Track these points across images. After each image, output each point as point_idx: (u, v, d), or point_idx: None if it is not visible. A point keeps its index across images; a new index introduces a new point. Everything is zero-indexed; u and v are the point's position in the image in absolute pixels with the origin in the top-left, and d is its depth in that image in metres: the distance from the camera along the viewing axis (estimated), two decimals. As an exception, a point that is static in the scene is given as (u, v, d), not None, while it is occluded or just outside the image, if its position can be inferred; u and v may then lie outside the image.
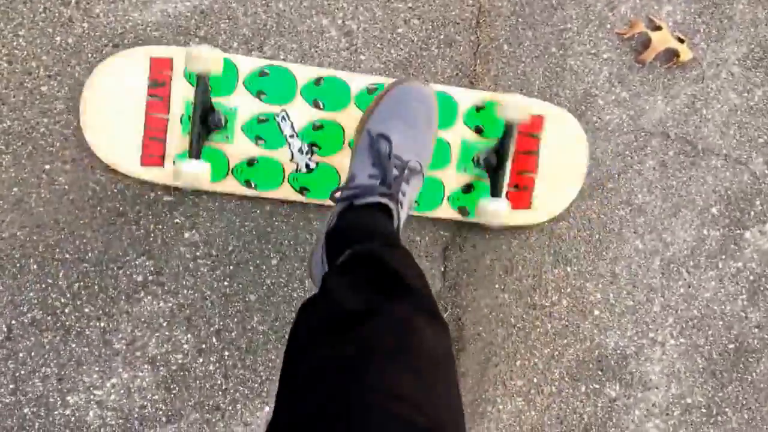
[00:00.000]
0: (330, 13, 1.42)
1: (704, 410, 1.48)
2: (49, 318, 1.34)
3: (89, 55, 1.36)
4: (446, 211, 1.39)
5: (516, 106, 1.30)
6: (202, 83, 1.24)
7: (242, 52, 1.38)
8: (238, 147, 1.34)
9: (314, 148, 1.35)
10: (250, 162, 1.34)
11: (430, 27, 1.44)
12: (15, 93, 1.33)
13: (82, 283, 1.34)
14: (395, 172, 1.12)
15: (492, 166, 1.33)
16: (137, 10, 1.37)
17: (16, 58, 1.34)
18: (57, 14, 1.35)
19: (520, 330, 1.44)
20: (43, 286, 1.34)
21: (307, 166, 1.35)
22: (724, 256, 1.49)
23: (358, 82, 1.37)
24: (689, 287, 1.48)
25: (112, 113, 1.32)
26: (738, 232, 1.50)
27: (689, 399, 1.48)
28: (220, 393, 1.37)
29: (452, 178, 1.38)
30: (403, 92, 1.20)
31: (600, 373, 1.45)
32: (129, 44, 1.36)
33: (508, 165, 1.34)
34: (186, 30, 1.38)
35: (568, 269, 1.45)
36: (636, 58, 1.50)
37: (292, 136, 1.35)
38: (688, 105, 1.51)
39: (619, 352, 1.46)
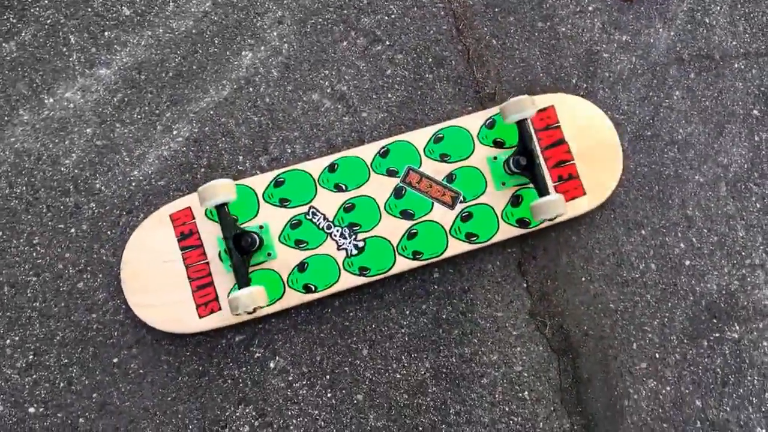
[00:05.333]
0: (316, 87, 1.41)
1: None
2: (177, 503, 1.30)
3: (108, 232, 1.34)
4: (507, 231, 1.35)
5: (515, 103, 1.28)
6: (222, 213, 1.23)
7: (249, 161, 1.37)
8: (284, 258, 1.31)
9: (355, 228, 1.32)
10: (301, 267, 1.31)
11: (416, 55, 1.43)
12: (55, 301, 1.31)
13: (194, 457, 1.31)
14: None
15: (523, 166, 1.29)
16: (135, 168, 1.36)
17: (40, 267, 1.32)
18: (62, 207, 1.34)
19: (624, 312, 1.38)
20: (159, 477, 1.30)
21: (356, 246, 1.32)
22: (783, 154, 1.46)
23: (368, 152, 1.35)
24: (764, 199, 1.43)
25: (155, 283, 1.29)
26: (787, 122, 1.47)
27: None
28: (371, 503, 1.33)
29: (496, 198, 1.34)
30: None
31: (715, 320, 1.39)
32: (140, 204, 1.35)
33: (541, 160, 1.33)
34: (188, 165, 1.37)
35: (643, 232, 1.40)
36: (622, -2, 1.49)
37: (329, 227, 1.32)
38: (690, 20, 1.49)
39: (724, 292, 1.40)
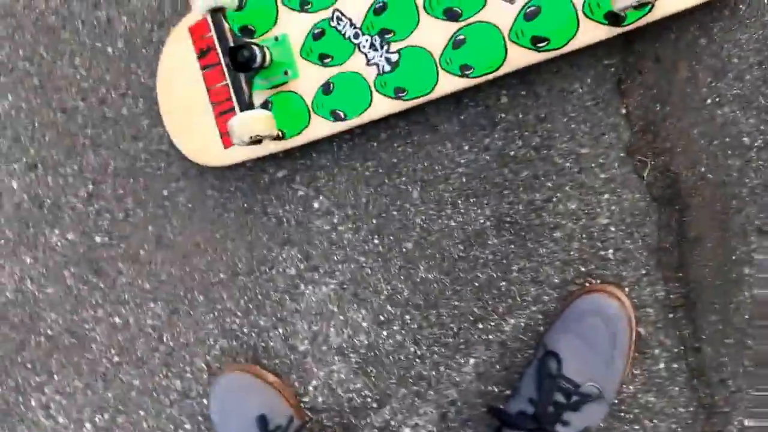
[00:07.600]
0: None
1: None
2: (235, 344, 1.23)
3: (143, 51, 1.21)
4: (592, 31, 0.94)
5: None
6: (215, 20, 1.02)
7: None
8: (307, 78, 1.07)
9: (387, 36, 1.03)
10: (326, 88, 1.07)
11: None
12: (103, 128, 1.24)
13: (246, 298, 1.21)
14: (561, 398, 0.99)
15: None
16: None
17: (86, 91, 1.24)
18: (95, 22, 1.22)
19: (763, 149, 0.94)
20: (216, 314, 1.22)
21: (389, 60, 1.04)
22: None
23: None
24: None
25: (184, 109, 1.15)
26: None
27: None
28: (417, 360, 1.14)
29: (575, -14, 0.95)
30: (584, 304, 1.03)
31: None
32: (170, 16, 1.18)
33: None
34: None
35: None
36: None
37: (357, 35, 1.05)
38: None
39: None
